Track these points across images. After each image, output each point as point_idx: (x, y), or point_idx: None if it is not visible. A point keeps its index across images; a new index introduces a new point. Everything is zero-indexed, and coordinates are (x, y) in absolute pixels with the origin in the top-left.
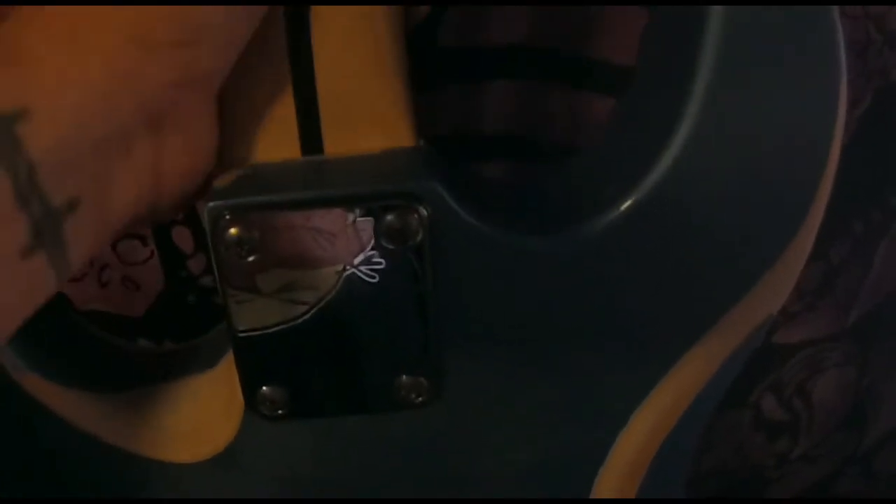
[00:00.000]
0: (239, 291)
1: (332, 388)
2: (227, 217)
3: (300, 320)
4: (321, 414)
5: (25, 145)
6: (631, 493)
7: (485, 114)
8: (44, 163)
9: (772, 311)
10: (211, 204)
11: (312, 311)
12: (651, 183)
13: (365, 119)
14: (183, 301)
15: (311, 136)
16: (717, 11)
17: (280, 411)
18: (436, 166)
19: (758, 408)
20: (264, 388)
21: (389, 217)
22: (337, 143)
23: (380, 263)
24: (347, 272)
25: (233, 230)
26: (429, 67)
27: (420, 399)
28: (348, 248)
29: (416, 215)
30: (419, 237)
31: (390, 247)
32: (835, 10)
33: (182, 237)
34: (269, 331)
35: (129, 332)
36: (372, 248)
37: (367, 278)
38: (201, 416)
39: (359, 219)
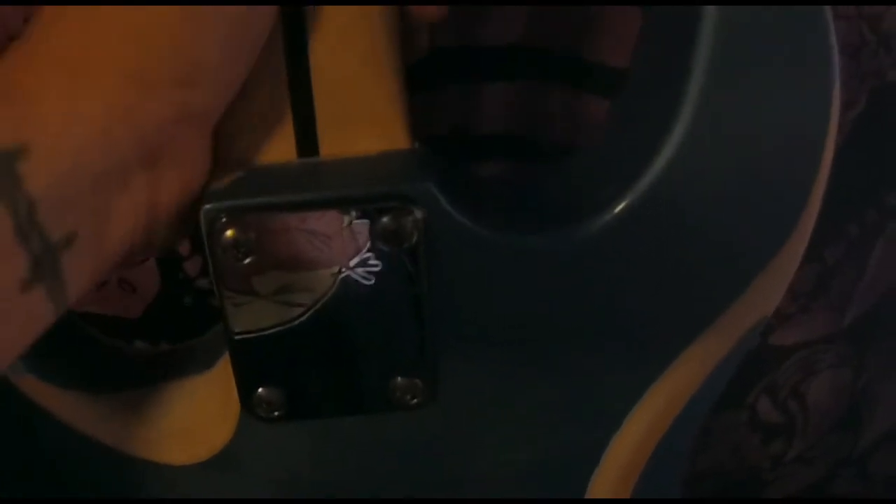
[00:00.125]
0: (235, 293)
1: (328, 389)
2: (224, 219)
3: (296, 322)
4: (317, 415)
5: (25, 182)
6: (626, 494)
7: (483, 114)
8: (43, 199)
9: (766, 313)
10: (207, 206)
11: (309, 313)
12: (646, 184)
13: (360, 121)
14: (179, 303)
15: (307, 138)
16: (710, 13)
17: (276, 413)
18: (431, 168)
19: (753, 409)
20: (260, 389)
21: (384, 219)
22: (333, 145)
23: (376, 265)
24: (343, 274)
25: (229, 232)
26: (427, 68)
27: (415, 400)
28: (344, 250)
29: (410, 217)
30: (414, 239)
31: (385, 249)
32: (827, 11)
33: None
34: (266, 333)
35: (125, 333)
36: (368, 250)
37: (362, 280)
38: (198, 417)
39: (355, 221)
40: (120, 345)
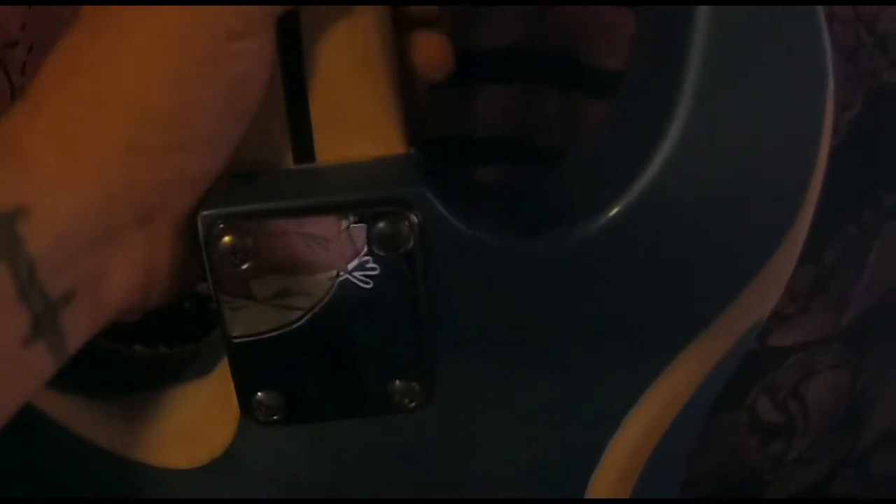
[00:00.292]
0: (233, 298)
1: (327, 393)
2: (221, 225)
3: (294, 326)
4: (316, 419)
5: (26, 243)
6: (626, 494)
7: (479, 117)
8: (43, 259)
9: (763, 315)
10: (204, 212)
11: (306, 317)
12: (641, 186)
13: (356, 127)
14: (178, 307)
15: (303, 144)
16: (703, 14)
17: (275, 416)
18: (426, 173)
19: (753, 410)
20: (259, 393)
21: (381, 224)
22: (329, 150)
23: (373, 269)
24: (341, 278)
25: (226, 238)
26: None
27: (413, 404)
28: (342, 253)
29: (406, 222)
30: (410, 244)
31: (382, 253)
32: (820, 11)
33: None
34: (264, 337)
35: (124, 338)
36: (366, 254)
37: (360, 284)
38: (197, 421)
39: (352, 225)
40: (119, 349)
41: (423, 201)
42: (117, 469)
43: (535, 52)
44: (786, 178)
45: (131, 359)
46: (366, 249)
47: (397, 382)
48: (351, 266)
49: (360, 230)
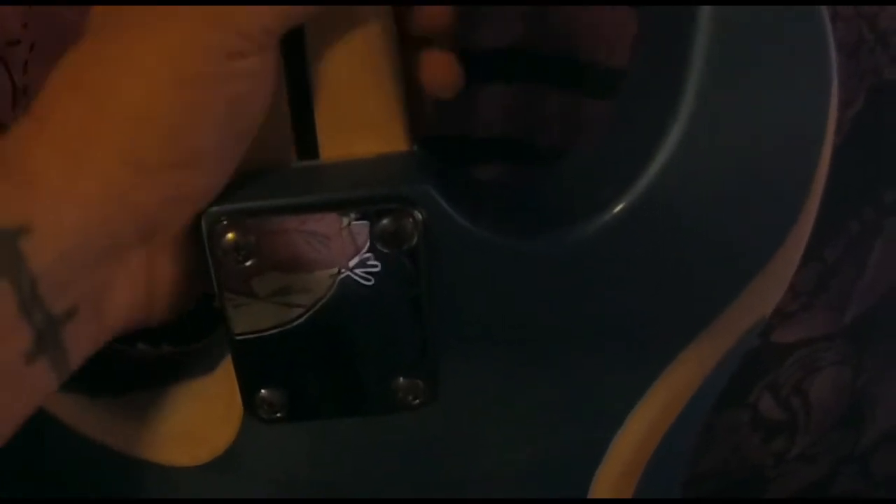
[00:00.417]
0: (236, 295)
1: (330, 390)
2: (225, 222)
3: (296, 323)
4: (319, 416)
5: (28, 259)
6: (628, 494)
7: (480, 116)
8: (45, 275)
9: (765, 313)
10: (208, 209)
11: (308, 314)
12: (643, 185)
13: (360, 124)
14: None
15: (307, 141)
16: (706, 13)
17: (278, 414)
18: (430, 170)
19: (755, 408)
20: (262, 391)
21: (384, 221)
22: (332, 147)
23: (375, 266)
24: (342, 275)
25: (230, 235)
26: None
27: (417, 401)
28: (343, 250)
29: (410, 219)
30: (414, 240)
31: (385, 250)
32: (824, 10)
33: None
34: (266, 334)
35: (127, 336)
36: (367, 251)
37: (362, 281)
38: (200, 420)
39: (353, 222)
40: (122, 348)
41: (426, 198)
42: (120, 467)
43: (535, 51)
44: (788, 177)
45: (134, 358)
46: (367, 246)
47: (401, 379)
48: (352, 263)
49: (361, 227)
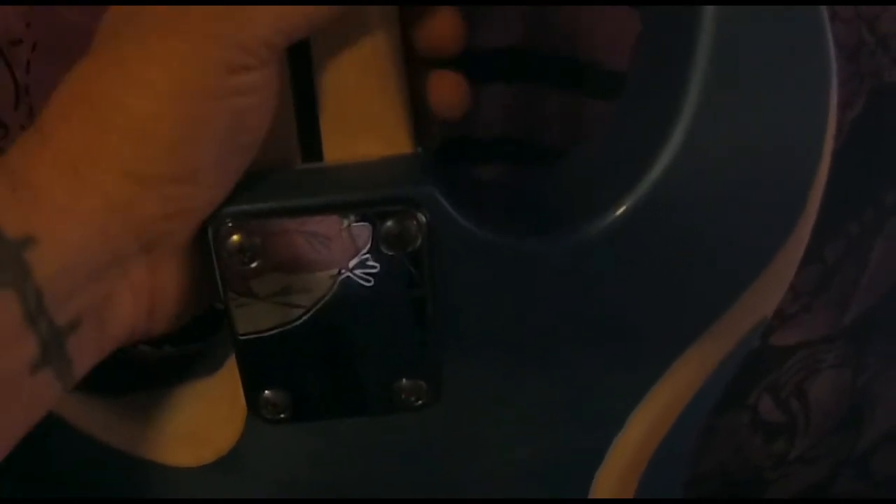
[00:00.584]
0: (239, 296)
1: (333, 391)
2: (230, 224)
3: (297, 323)
4: (323, 417)
5: (33, 271)
6: (630, 493)
7: (481, 117)
8: (49, 287)
9: (765, 315)
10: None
11: (309, 315)
12: (646, 186)
13: (364, 127)
14: None
15: (311, 144)
16: (709, 16)
17: (282, 415)
18: (433, 172)
19: (755, 410)
20: (266, 391)
21: (388, 223)
22: (336, 150)
23: (374, 267)
24: (342, 276)
25: (235, 237)
26: None
27: (420, 402)
28: (343, 251)
29: (414, 221)
30: (418, 242)
31: (390, 252)
32: (823, 11)
33: None
34: (269, 334)
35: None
36: (367, 252)
37: (362, 282)
38: (204, 420)
39: (354, 224)
40: (124, 348)
41: (430, 200)
42: (124, 467)
43: (536, 51)
44: (789, 178)
45: (137, 358)
46: (367, 247)
47: (404, 381)
48: (352, 264)
49: (361, 228)
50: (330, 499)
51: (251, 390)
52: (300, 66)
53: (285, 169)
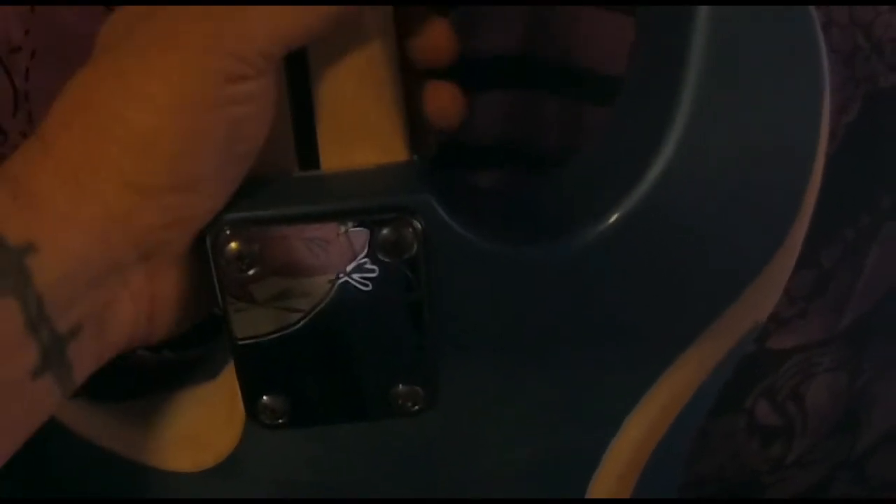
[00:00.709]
0: (238, 300)
1: (331, 396)
2: (228, 231)
3: (295, 328)
4: (320, 422)
5: (34, 278)
6: (626, 495)
7: (479, 124)
8: (50, 294)
9: (760, 318)
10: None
11: (306, 319)
12: (641, 192)
13: (360, 135)
14: None
15: (308, 152)
16: (704, 16)
17: (280, 420)
18: (429, 180)
19: (752, 413)
20: (265, 397)
21: (385, 231)
22: (333, 158)
23: (372, 271)
24: (340, 280)
25: (233, 244)
26: None
27: (416, 407)
28: (341, 256)
29: (410, 228)
30: (414, 250)
31: (386, 259)
32: (812, 10)
33: None
34: (267, 339)
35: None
36: (365, 256)
37: (360, 286)
38: (204, 424)
39: (351, 229)
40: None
41: (426, 208)
42: (123, 472)
43: (534, 58)
44: (784, 181)
45: (136, 363)
46: (365, 252)
47: (400, 386)
48: (349, 268)
49: (359, 233)
50: (329, 499)
51: (249, 395)
52: (297, 75)
53: (283, 177)
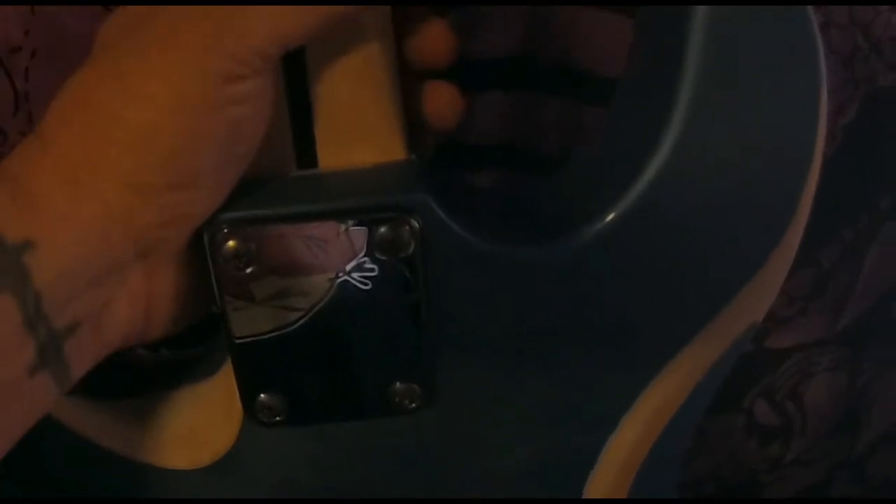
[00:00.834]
0: (235, 299)
1: (329, 394)
2: (225, 230)
3: (294, 326)
4: (318, 420)
5: (33, 275)
6: (623, 494)
7: (477, 124)
8: (48, 292)
9: (757, 318)
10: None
11: (306, 318)
12: (638, 192)
13: (358, 135)
14: None
15: (306, 151)
16: (701, 15)
17: (278, 418)
18: (427, 179)
19: (750, 413)
20: (262, 395)
21: (382, 229)
22: (331, 157)
23: (372, 270)
24: (340, 279)
25: (230, 243)
26: None
27: (414, 405)
28: (340, 255)
29: (407, 227)
30: (411, 249)
31: (383, 258)
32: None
33: None
34: (265, 337)
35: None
36: (364, 255)
37: (359, 285)
38: (201, 422)
39: (351, 228)
40: (121, 352)
41: (424, 207)
42: (121, 470)
43: (533, 60)
44: (780, 181)
45: (134, 362)
46: (365, 251)
47: (398, 384)
48: (349, 267)
49: (358, 232)
50: (328, 499)
51: (247, 394)
52: (295, 75)
53: (280, 176)
